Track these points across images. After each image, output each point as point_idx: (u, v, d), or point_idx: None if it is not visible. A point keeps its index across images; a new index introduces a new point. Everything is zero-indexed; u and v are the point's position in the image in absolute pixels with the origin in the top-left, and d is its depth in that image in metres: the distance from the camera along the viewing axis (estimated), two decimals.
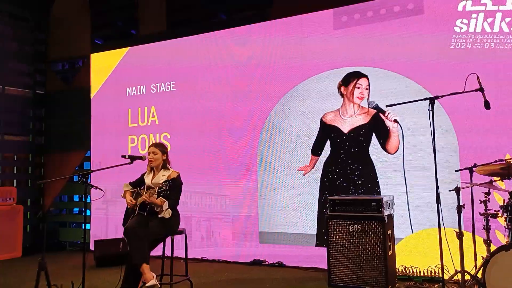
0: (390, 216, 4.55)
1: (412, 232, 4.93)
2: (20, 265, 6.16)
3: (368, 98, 5.28)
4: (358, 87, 5.36)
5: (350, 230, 4.46)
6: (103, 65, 7.35)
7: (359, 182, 5.28)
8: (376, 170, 5.20)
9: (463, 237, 3.77)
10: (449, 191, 3.73)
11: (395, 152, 5.10)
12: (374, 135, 5.24)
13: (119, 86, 7.15)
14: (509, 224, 3.50)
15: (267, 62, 5.95)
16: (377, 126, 5.21)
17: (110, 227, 6.99)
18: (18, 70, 7.79)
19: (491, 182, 3.81)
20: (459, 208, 3.66)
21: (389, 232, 4.43)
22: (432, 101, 3.72)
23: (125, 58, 7.15)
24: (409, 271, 4.73)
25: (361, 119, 5.33)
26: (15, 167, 7.66)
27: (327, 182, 5.48)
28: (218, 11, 6.87)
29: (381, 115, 5.11)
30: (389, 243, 4.42)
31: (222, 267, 5.71)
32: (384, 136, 5.17)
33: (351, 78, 5.40)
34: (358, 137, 5.32)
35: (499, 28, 4.65)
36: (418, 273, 4.70)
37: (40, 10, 7.96)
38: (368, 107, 5.24)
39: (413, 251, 4.87)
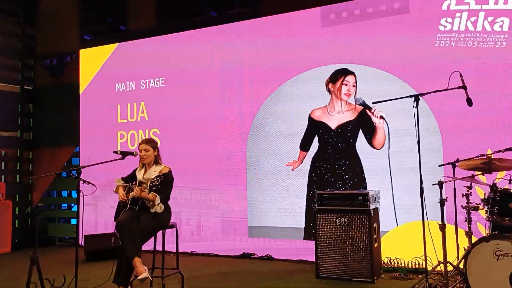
0: (376, 210, 4.69)
1: (397, 225, 5.06)
2: (10, 260, 6.18)
3: (355, 95, 5.40)
4: (346, 84, 5.47)
5: (337, 224, 4.58)
6: (92, 60, 7.36)
7: (346, 177, 5.40)
8: (363, 165, 5.32)
9: (446, 230, 3.91)
10: (433, 185, 3.85)
11: (381, 147, 5.23)
12: (360, 131, 5.37)
13: (108, 82, 7.17)
14: (489, 216, 3.64)
15: (255, 59, 6.03)
16: (363, 122, 5.33)
17: (99, 222, 7.02)
18: (6, 65, 7.75)
19: (472, 176, 3.95)
20: (442, 201, 3.79)
21: (374, 225, 4.57)
22: (416, 98, 3.85)
23: (114, 54, 7.17)
24: (394, 263, 4.87)
25: (348, 116, 5.44)
26: (3, 163, 7.64)
27: (315, 177, 5.59)
28: (208, 8, 6.92)
29: (368, 111, 5.23)
30: (375, 236, 4.55)
31: (212, 260, 5.80)
32: (370, 132, 5.29)
33: (338, 75, 5.51)
34: (345, 133, 5.44)
35: (482, 27, 4.79)
36: (403, 265, 4.83)
37: (29, 5, 7.92)
38: (355, 103, 5.35)
39: (398, 244, 5.01)
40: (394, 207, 5.07)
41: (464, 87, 3.84)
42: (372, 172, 5.27)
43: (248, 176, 6.00)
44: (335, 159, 5.48)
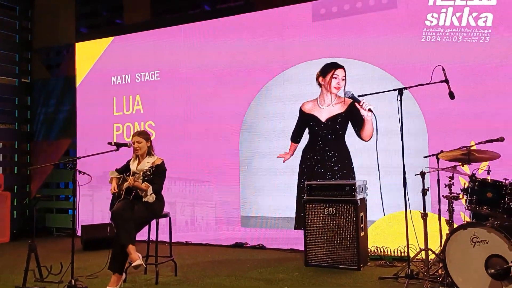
0: (363, 200, 4.85)
1: (384, 215, 5.22)
2: (9, 250, 6.33)
3: (344, 88, 5.54)
4: (335, 78, 5.60)
5: (326, 213, 4.74)
6: (88, 54, 7.46)
7: (336, 168, 5.55)
8: (352, 157, 5.47)
9: (430, 219, 4.07)
10: (415, 175, 4.00)
11: (369, 139, 5.38)
12: (350, 123, 5.51)
13: (104, 75, 7.28)
14: (468, 205, 3.79)
15: (248, 52, 6.15)
16: (352, 115, 5.48)
17: (96, 212, 7.17)
18: (3, 58, 7.85)
19: (454, 167, 4.09)
20: (424, 191, 3.93)
21: (361, 214, 4.72)
22: (400, 91, 3.99)
23: (110, 47, 7.28)
24: (381, 251, 5.03)
25: (338, 108, 5.58)
26: (1, 155, 7.77)
27: (305, 168, 5.74)
28: (202, 2, 7.02)
29: (357, 104, 5.37)
30: (362, 225, 4.71)
31: (205, 249, 5.96)
32: (359, 125, 5.44)
33: (328, 69, 5.64)
34: (335, 125, 5.58)
35: (467, 22, 4.92)
36: (389, 253, 5.00)
37: None
38: (345, 96, 5.49)
39: (385, 233, 5.17)
40: (381, 197, 5.22)
41: (446, 80, 3.97)
42: (361, 163, 5.43)
43: (240, 168, 6.14)
44: (325, 150, 5.63)
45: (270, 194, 5.94)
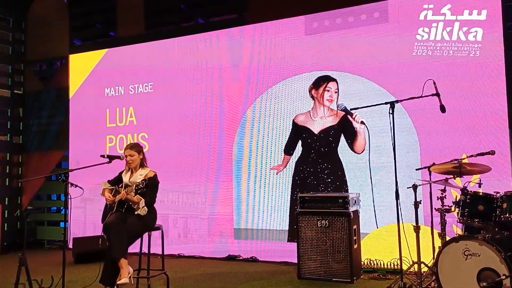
0: (356, 212, 4.85)
1: (377, 227, 5.23)
2: None
3: (337, 101, 5.57)
4: (328, 90, 5.64)
5: (319, 225, 4.74)
6: (82, 66, 7.46)
7: (329, 180, 5.57)
8: (344, 169, 5.49)
9: (423, 231, 4.08)
10: (407, 188, 4.02)
11: (362, 152, 5.40)
12: (342, 135, 5.54)
13: (97, 86, 7.28)
14: (460, 218, 3.81)
15: (242, 65, 6.19)
16: (345, 127, 5.51)
17: (88, 225, 7.12)
18: None
19: (446, 180, 4.12)
20: (416, 204, 3.95)
21: (354, 227, 4.73)
22: (392, 105, 4.02)
23: (104, 59, 7.29)
24: (374, 264, 5.03)
25: (331, 121, 5.61)
26: None
27: (298, 181, 5.75)
28: (196, 15, 7.07)
29: (349, 117, 5.40)
30: (355, 238, 4.71)
31: (198, 262, 5.92)
32: (351, 137, 5.46)
33: (321, 82, 5.68)
34: (327, 138, 5.61)
35: (457, 37, 4.99)
36: (382, 266, 5.00)
37: (19, 10, 8.02)
38: (337, 109, 5.52)
39: (378, 245, 5.17)
40: (374, 210, 5.23)
41: (437, 94, 4.01)
42: (353, 176, 5.44)
43: (234, 179, 6.14)
44: (318, 162, 5.64)
45: (263, 206, 5.93)
